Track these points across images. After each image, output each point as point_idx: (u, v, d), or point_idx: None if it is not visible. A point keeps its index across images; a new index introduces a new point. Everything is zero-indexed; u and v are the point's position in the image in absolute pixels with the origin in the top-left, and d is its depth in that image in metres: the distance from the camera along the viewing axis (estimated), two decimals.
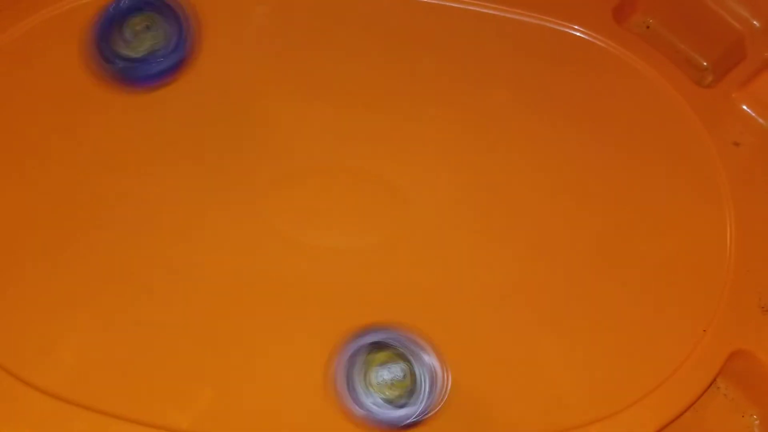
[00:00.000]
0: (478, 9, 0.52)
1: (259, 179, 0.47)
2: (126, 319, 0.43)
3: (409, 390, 0.40)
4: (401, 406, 0.40)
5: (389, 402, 0.40)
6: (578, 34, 0.52)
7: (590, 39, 0.52)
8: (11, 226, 0.44)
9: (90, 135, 0.47)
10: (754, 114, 0.51)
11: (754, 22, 0.52)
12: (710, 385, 0.44)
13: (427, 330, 0.42)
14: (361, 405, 0.40)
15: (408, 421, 0.40)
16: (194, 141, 0.47)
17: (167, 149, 0.47)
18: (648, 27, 0.55)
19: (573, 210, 0.48)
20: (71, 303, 0.43)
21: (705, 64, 0.55)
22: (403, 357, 0.40)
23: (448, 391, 0.40)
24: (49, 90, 0.47)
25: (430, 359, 0.40)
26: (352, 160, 0.48)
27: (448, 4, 0.52)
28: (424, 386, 0.40)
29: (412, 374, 0.40)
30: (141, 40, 0.45)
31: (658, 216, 0.48)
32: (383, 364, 0.40)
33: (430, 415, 0.40)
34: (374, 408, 0.40)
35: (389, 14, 0.51)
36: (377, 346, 0.41)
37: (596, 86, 0.52)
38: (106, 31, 0.45)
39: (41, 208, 0.45)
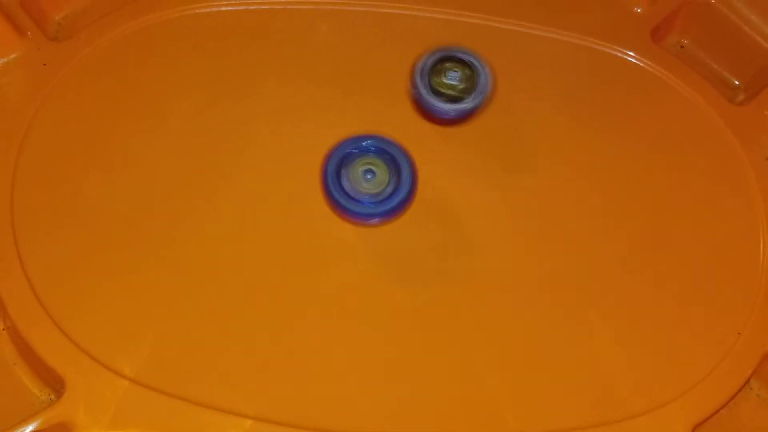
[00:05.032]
0: (523, 30, 0.55)
1: None
2: (201, 313, 0.46)
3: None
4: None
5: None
6: (618, 54, 0.55)
7: (629, 58, 0.55)
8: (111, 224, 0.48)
9: None
10: None
11: None
12: (744, 385, 0.46)
13: None
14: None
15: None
16: None
17: None
18: (682, 47, 0.58)
19: (612, 218, 0.50)
20: (155, 297, 0.46)
21: (737, 83, 0.57)
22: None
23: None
24: None
25: None
26: None
27: (497, 25, 0.55)
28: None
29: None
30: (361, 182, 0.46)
31: (695, 227, 0.50)
32: None
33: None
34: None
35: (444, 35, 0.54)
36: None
37: (634, 102, 0.54)
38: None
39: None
